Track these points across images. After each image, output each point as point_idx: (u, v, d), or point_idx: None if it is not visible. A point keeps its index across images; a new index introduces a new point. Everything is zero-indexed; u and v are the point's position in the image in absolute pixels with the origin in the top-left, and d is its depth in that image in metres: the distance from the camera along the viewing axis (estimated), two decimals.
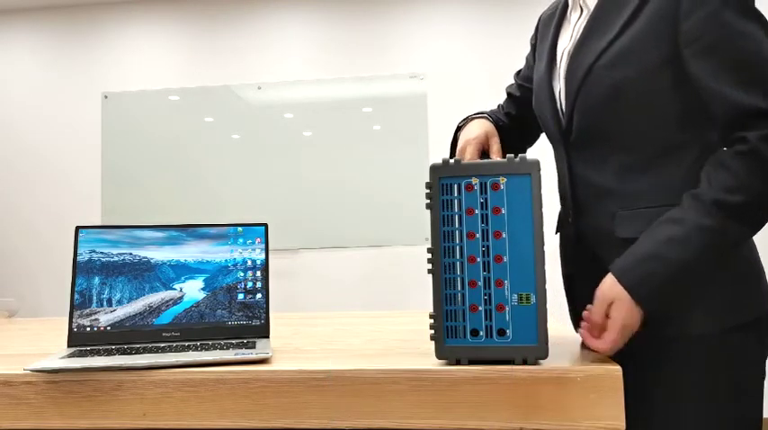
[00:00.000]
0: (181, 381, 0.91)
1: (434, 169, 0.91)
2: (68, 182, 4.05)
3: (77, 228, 1.13)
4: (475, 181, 0.90)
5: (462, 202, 0.90)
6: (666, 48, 0.95)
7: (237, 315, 1.15)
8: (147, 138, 3.97)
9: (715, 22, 0.91)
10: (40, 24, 4.17)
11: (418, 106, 3.77)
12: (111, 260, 1.13)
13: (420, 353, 0.99)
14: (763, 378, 1.00)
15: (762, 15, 0.92)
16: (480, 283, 0.89)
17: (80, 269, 1.12)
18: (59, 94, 4.11)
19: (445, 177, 0.91)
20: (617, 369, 0.84)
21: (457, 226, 0.90)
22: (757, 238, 1.06)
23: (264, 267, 1.18)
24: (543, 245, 0.88)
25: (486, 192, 0.90)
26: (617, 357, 0.92)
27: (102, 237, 1.14)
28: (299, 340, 1.20)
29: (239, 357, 0.95)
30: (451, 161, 0.92)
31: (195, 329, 1.13)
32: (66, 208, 4.02)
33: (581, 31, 1.07)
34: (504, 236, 0.89)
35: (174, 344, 1.07)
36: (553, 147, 1.16)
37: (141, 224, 1.17)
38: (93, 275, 1.12)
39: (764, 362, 1.00)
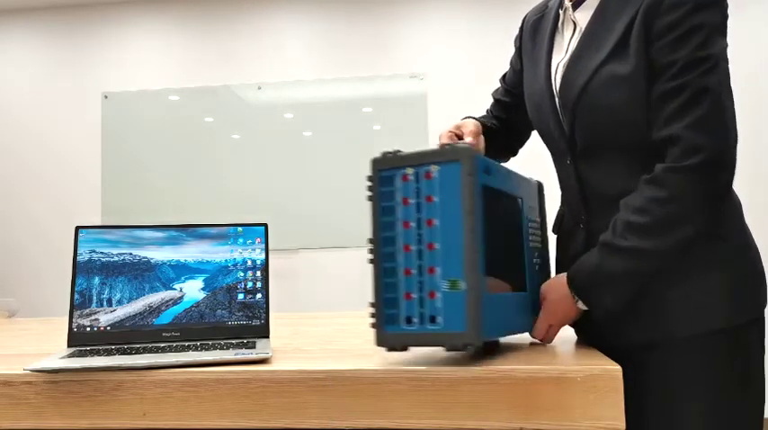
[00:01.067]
0: (181, 381, 0.91)
1: (374, 162, 0.94)
2: (68, 182, 4.05)
3: (77, 228, 1.13)
4: (410, 171, 0.91)
5: (399, 192, 0.92)
6: (649, 70, 0.97)
7: (237, 315, 1.15)
8: (147, 138, 3.97)
9: (669, 50, 0.94)
10: (40, 24, 4.17)
11: (418, 106, 3.77)
12: (111, 260, 1.13)
13: (420, 354, 0.99)
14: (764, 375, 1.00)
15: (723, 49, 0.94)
16: (414, 271, 0.89)
17: (80, 269, 1.12)
18: (59, 94, 4.11)
19: (384, 169, 0.93)
20: (617, 369, 0.84)
21: (395, 216, 0.92)
22: (758, 239, 1.06)
23: (264, 267, 1.18)
24: (474, 230, 0.86)
25: (419, 182, 0.91)
26: (618, 358, 0.91)
27: (102, 237, 1.14)
28: (299, 340, 1.20)
29: (239, 357, 0.95)
30: (389, 153, 0.93)
31: (195, 329, 1.13)
32: (66, 208, 4.02)
33: (573, 49, 1.07)
34: (436, 223, 0.89)
35: (174, 345, 1.07)
36: (556, 156, 1.16)
37: (141, 224, 1.17)
38: (93, 275, 1.12)
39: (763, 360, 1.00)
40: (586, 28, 1.05)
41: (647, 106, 0.97)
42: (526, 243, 1.06)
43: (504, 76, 1.34)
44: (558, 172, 1.17)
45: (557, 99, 1.10)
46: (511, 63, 1.31)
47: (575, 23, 1.09)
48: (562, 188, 1.17)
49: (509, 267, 0.99)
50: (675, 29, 0.93)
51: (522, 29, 1.26)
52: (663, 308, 0.98)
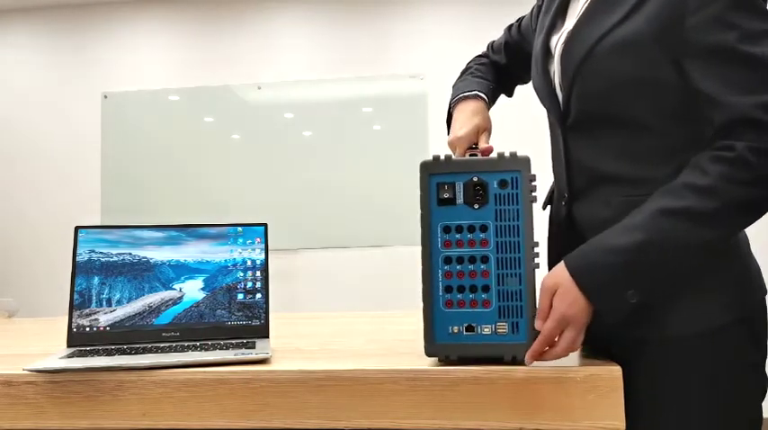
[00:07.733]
0: (181, 381, 0.91)
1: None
2: (68, 182, 4.05)
3: (77, 228, 1.13)
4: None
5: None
6: (671, 40, 0.92)
7: (237, 315, 1.15)
8: (147, 138, 3.97)
9: (722, 22, 0.88)
10: (39, 24, 4.17)
11: (418, 106, 3.76)
12: (111, 260, 1.13)
13: (420, 354, 0.99)
14: (762, 378, 0.98)
15: None
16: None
17: (80, 269, 1.12)
18: (59, 94, 4.11)
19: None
20: (617, 369, 0.84)
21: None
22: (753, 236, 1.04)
23: (264, 267, 1.18)
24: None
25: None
26: (600, 352, 0.90)
27: (101, 237, 1.14)
28: (298, 340, 1.20)
29: (239, 357, 0.95)
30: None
31: (195, 329, 1.13)
32: (66, 208, 4.02)
33: (583, 12, 1.03)
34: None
35: (174, 345, 1.07)
36: (550, 127, 1.13)
37: (141, 224, 1.17)
38: (92, 275, 1.12)
39: (762, 361, 0.98)
40: None
41: (654, 83, 0.94)
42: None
43: (516, 25, 1.34)
44: (552, 145, 1.13)
45: (552, 66, 1.07)
46: (523, 22, 1.31)
47: None
48: (552, 159, 1.13)
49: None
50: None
51: None
52: (662, 304, 0.93)
